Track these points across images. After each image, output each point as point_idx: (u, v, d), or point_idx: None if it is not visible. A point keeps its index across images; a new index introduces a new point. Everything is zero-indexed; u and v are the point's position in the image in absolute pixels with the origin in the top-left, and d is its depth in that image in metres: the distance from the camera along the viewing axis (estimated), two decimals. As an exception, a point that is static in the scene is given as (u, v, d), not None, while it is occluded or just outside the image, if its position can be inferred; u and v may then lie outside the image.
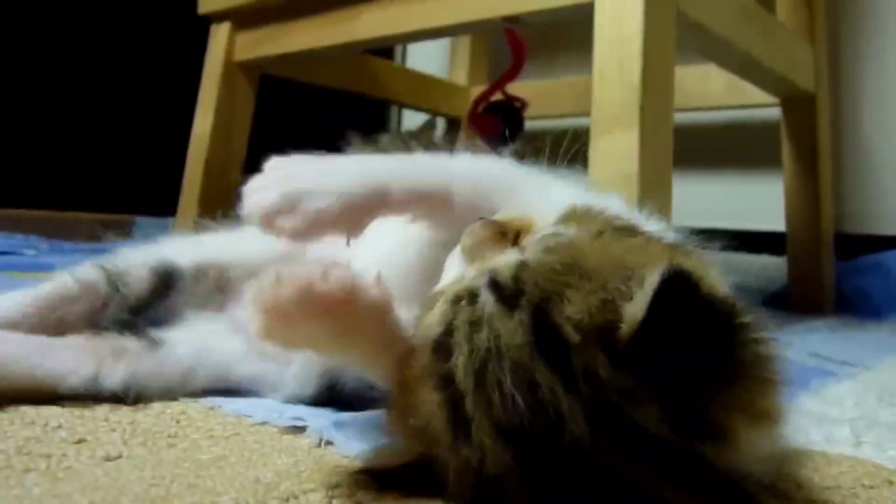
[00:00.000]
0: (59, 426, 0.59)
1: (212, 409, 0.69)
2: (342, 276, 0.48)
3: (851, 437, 0.68)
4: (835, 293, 1.65)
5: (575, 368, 0.39)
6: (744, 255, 1.78)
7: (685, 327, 0.38)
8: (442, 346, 0.44)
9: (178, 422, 0.64)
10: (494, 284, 0.44)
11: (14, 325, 0.69)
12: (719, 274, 0.45)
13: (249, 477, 0.51)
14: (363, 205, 0.59)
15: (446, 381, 0.42)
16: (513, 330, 0.41)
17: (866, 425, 0.72)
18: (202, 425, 0.64)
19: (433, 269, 0.56)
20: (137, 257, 0.77)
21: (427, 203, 0.62)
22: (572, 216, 0.51)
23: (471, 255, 0.50)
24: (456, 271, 0.51)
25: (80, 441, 0.57)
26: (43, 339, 0.66)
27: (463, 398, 0.41)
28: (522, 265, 0.44)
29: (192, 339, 0.72)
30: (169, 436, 0.60)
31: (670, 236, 0.52)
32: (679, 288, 0.37)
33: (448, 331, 0.44)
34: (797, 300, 1.62)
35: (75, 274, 0.74)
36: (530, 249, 0.46)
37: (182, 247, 0.79)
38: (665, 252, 0.45)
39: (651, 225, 0.54)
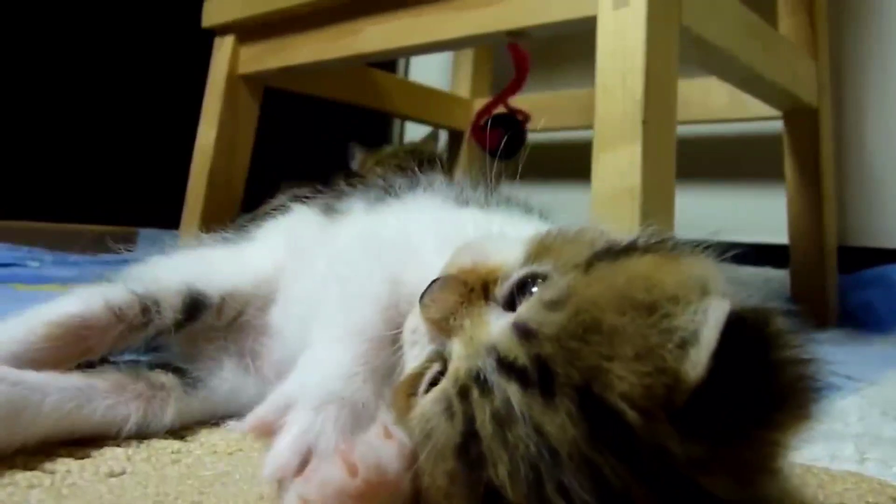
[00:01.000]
0: (64, 442, 0.59)
1: (216, 424, 0.69)
2: (367, 461, 0.40)
3: (856, 454, 0.68)
4: (838, 306, 1.65)
5: (642, 450, 0.33)
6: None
7: (742, 371, 0.34)
8: (468, 453, 0.36)
9: (182, 437, 0.64)
10: (507, 366, 0.37)
11: (37, 353, 0.61)
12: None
13: (253, 494, 0.51)
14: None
15: (488, 496, 0.35)
16: (561, 423, 0.34)
17: (871, 441, 0.72)
18: (206, 441, 0.63)
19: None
20: (169, 281, 0.71)
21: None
22: (541, 249, 0.45)
23: (441, 327, 0.43)
24: (423, 350, 0.46)
25: (84, 457, 0.57)
26: (84, 381, 0.61)
27: None
28: (527, 333, 0.37)
29: (223, 380, 0.70)
30: (173, 452, 0.60)
31: (644, 237, 0.46)
32: (733, 331, 0.34)
33: (471, 432, 0.36)
34: (800, 313, 1.61)
35: (106, 296, 0.65)
36: (525, 309, 0.40)
37: (205, 270, 0.75)
38: (678, 270, 0.39)
39: (612, 230, 0.49)
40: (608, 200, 0.92)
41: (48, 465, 0.55)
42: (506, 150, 1.36)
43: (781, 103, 1.56)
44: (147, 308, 0.67)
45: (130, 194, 2.13)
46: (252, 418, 0.49)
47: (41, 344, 0.61)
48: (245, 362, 0.73)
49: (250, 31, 1.56)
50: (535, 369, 0.36)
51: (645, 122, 0.91)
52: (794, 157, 1.62)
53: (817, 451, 0.68)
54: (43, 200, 2.01)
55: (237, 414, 0.70)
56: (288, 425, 0.47)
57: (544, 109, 1.85)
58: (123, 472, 0.55)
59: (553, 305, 0.38)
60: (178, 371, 0.68)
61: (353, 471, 0.40)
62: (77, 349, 0.63)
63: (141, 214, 2.11)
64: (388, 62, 2.38)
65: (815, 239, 1.61)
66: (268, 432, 0.47)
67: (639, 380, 0.34)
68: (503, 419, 0.35)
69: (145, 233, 2.12)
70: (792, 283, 1.65)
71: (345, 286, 0.60)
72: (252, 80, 1.60)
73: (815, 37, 1.59)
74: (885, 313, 1.59)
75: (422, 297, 0.46)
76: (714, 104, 1.74)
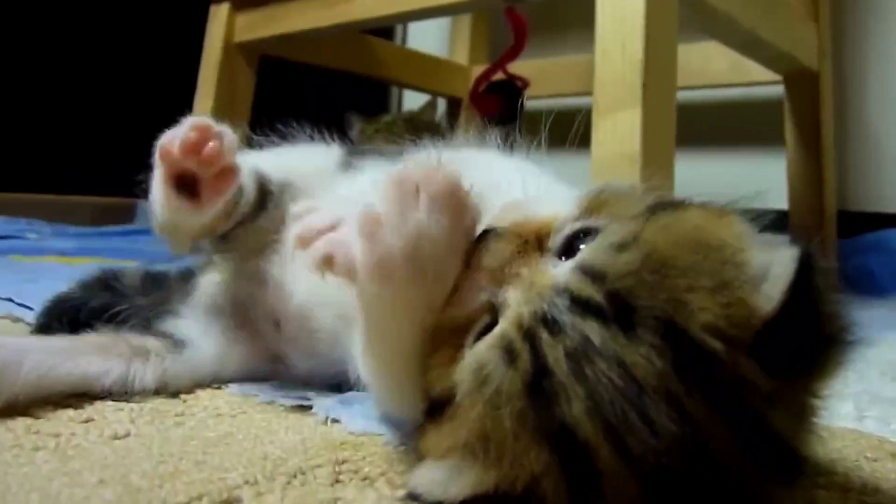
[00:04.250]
0: (68, 405, 0.60)
1: (218, 388, 0.69)
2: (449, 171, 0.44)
3: (854, 412, 0.69)
4: (837, 271, 1.65)
5: (723, 381, 0.34)
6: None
7: (806, 313, 0.35)
8: (540, 391, 0.36)
9: (184, 401, 0.65)
10: (582, 304, 0.37)
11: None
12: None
13: (257, 454, 0.52)
14: None
15: (561, 436, 0.35)
16: (645, 355, 0.34)
17: (869, 400, 0.73)
18: (209, 404, 0.64)
19: None
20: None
21: None
22: (594, 204, 0.45)
23: (494, 276, 0.43)
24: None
25: (88, 420, 0.58)
26: (67, 343, 0.65)
27: (592, 452, 0.34)
28: (595, 274, 0.37)
29: (211, 344, 0.72)
30: (176, 414, 0.61)
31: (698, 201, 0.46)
32: (803, 272, 0.35)
33: (542, 371, 0.36)
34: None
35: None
36: (589, 252, 0.40)
37: (260, 160, 0.77)
38: (729, 223, 0.41)
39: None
40: (608, 166, 0.92)
41: (53, 428, 0.55)
42: (505, 117, 1.35)
43: (782, 67, 1.55)
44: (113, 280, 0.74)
45: (129, 166, 2.12)
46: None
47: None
48: (233, 326, 0.74)
49: (246, -2, 1.55)
50: (611, 305, 0.36)
51: (645, 87, 0.91)
52: (794, 121, 1.61)
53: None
54: (42, 173, 2.00)
55: (236, 377, 0.72)
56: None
57: (543, 75, 1.84)
58: (128, 435, 0.55)
59: (621, 248, 0.38)
60: (162, 335, 0.70)
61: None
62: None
63: (140, 186, 2.10)
64: (385, 29, 2.36)
65: (815, 204, 1.60)
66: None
67: (721, 310, 0.35)
68: (580, 356, 0.35)
69: (144, 205, 2.12)
70: (791, 248, 1.64)
71: None
72: (248, 48, 1.59)
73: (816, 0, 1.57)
74: (884, 277, 1.59)
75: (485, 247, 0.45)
76: (714, 69, 1.72)
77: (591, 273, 0.38)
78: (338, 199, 0.69)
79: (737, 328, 0.35)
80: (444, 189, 0.44)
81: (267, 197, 0.72)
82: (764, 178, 1.83)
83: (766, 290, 0.35)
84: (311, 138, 0.82)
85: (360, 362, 0.52)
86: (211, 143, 0.59)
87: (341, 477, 0.49)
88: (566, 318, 0.37)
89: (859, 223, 1.73)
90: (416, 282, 0.44)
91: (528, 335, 0.37)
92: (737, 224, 0.41)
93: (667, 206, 0.42)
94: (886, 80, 1.80)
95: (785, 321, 0.35)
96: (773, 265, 0.36)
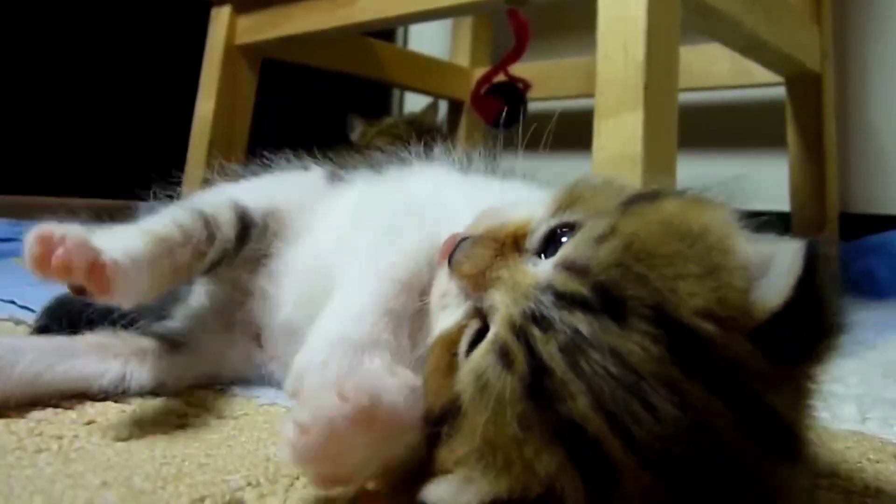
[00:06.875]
0: (70, 407, 0.60)
1: (220, 389, 0.69)
2: (360, 387, 0.41)
3: (857, 414, 0.69)
4: (839, 273, 1.64)
5: (718, 364, 0.35)
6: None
7: (810, 304, 0.35)
8: (541, 391, 0.36)
9: (187, 403, 0.65)
10: (568, 298, 0.37)
11: (139, 259, 0.61)
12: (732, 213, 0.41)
13: (259, 456, 0.52)
14: None
15: (571, 433, 0.35)
16: (639, 343, 0.35)
17: (872, 402, 0.73)
18: (212, 406, 0.64)
19: None
20: (218, 199, 0.74)
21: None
22: (569, 200, 0.45)
23: (477, 282, 0.43)
24: (457, 310, 0.45)
25: (91, 422, 0.58)
26: (64, 343, 0.65)
27: (604, 445, 0.34)
28: (577, 268, 0.38)
29: (209, 342, 0.72)
30: (179, 416, 0.61)
31: (673, 188, 0.47)
32: (809, 266, 0.35)
33: (540, 369, 0.36)
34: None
35: (174, 217, 0.69)
36: (570, 248, 0.40)
37: (242, 191, 0.77)
38: (705, 211, 0.41)
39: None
40: (609, 168, 0.92)
41: (56, 431, 0.55)
42: (506, 119, 1.35)
43: (784, 69, 1.54)
44: (208, 222, 0.69)
45: (129, 168, 2.12)
46: (286, 390, 0.49)
47: (141, 252, 0.62)
48: (231, 326, 0.75)
49: (247, 0, 1.54)
50: (598, 297, 0.36)
51: (647, 88, 0.90)
52: (796, 123, 1.61)
53: (819, 410, 0.68)
54: (42, 175, 2.00)
55: (235, 378, 0.73)
56: (303, 394, 0.46)
57: (545, 78, 1.84)
58: (130, 437, 0.55)
59: (600, 240, 0.38)
60: (159, 336, 0.70)
61: (343, 397, 0.40)
62: (166, 266, 0.65)
63: (140, 188, 2.11)
64: (386, 31, 2.36)
65: (817, 206, 1.60)
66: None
67: (712, 294, 0.35)
68: (574, 350, 0.36)
69: (145, 206, 2.12)
70: (793, 250, 1.64)
71: (381, 234, 0.59)
72: (250, 50, 1.59)
73: (818, 2, 1.57)
74: (886, 279, 1.59)
75: (451, 257, 0.45)
76: (716, 71, 1.72)
77: (574, 268, 0.38)
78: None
79: (730, 311, 0.35)
80: (362, 409, 0.40)
81: (250, 229, 0.73)
82: (766, 179, 1.83)
83: (772, 282, 0.35)
84: (289, 161, 0.83)
85: None
86: (58, 252, 0.54)
87: (344, 479, 0.48)
88: (554, 313, 0.37)
89: (861, 225, 1.73)
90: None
91: (521, 334, 0.37)
92: (714, 209, 0.41)
93: (643, 197, 0.43)
94: (888, 82, 1.80)
95: (790, 313, 0.35)
96: (778, 256, 0.36)
